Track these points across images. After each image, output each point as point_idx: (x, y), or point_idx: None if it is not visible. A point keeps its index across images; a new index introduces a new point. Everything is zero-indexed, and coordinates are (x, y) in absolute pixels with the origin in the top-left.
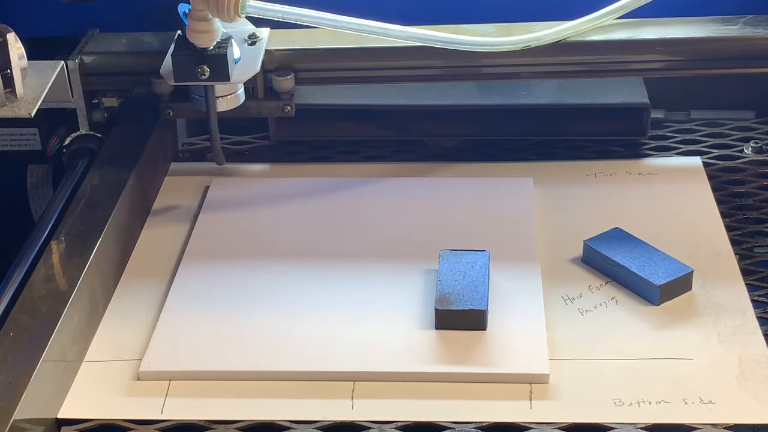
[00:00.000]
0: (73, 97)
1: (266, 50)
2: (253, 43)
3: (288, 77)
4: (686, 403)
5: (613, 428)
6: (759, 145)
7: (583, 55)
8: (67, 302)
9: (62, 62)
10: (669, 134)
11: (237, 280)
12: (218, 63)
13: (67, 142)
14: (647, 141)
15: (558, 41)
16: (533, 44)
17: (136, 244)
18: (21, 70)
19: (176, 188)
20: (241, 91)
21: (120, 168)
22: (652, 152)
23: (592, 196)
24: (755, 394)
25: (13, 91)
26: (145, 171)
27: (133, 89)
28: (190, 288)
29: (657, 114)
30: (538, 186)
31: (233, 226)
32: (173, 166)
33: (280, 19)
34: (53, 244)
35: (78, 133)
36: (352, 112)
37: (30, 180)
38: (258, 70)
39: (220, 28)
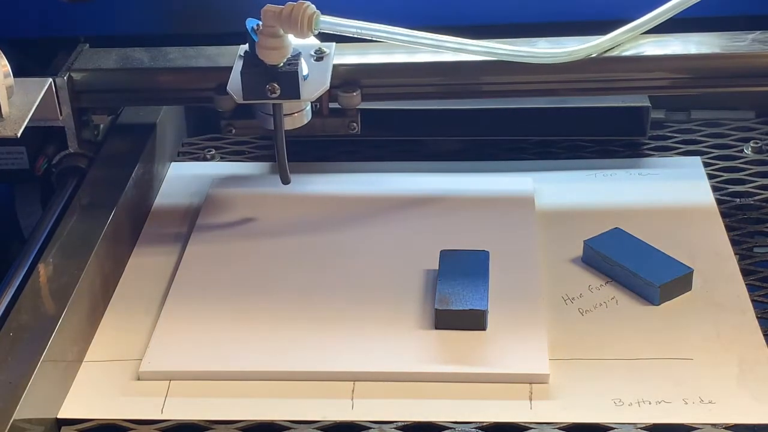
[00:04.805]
0: (61, 115)
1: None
2: (319, 59)
3: (354, 93)
4: (686, 403)
5: (613, 428)
6: (759, 145)
7: (606, 72)
8: (67, 302)
9: (50, 79)
10: (669, 134)
11: (237, 279)
12: (289, 81)
13: (55, 161)
14: (647, 141)
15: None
16: (594, 54)
17: (136, 244)
18: (7, 88)
19: (176, 188)
20: (307, 108)
21: (120, 167)
22: (652, 152)
23: (592, 196)
24: (755, 394)
25: None
26: (146, 170)
27: (123, 106)
28: (190, 288)
29: (657, 114)
30: (538, 186)
31: (233, 226)
32: (173, 166)
33: (354, 35)
34: (53, 244)
35: (66, 152)
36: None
37: (18, 199)
38: (328, 87)
39: (291, 44)
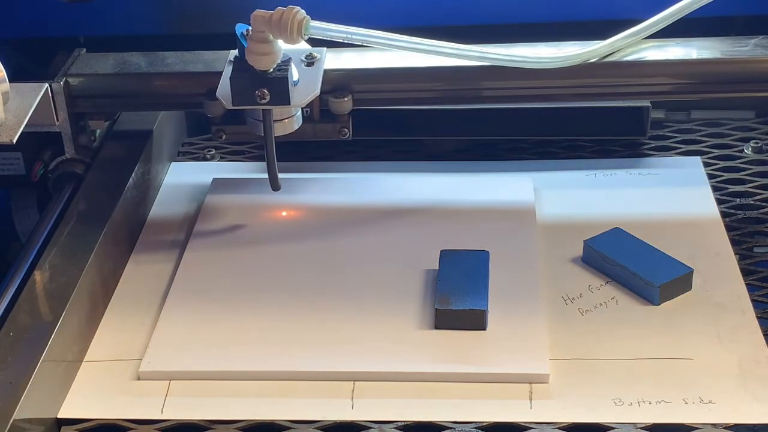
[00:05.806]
0: (58, 120)
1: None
2: (310, 64)
3: (345, 99)
4: (686, 403)
5: (613, 428)
6: (759, 145)
7: (606, 78)
8: (67, 302)
9: (46, 84)
10: (669, 134)
11: (237, 279)
12: (279, 86)
13: (51, 166)
14: (647, 141)
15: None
16: (593, 59)
17: (136, 244)
18: (2, 94)
19: (176, 188)
20: (298, 114)
21: (120, 168)
22: (652, 152)
23: (592, 196)
24: (755, 394)
25: None
26: (144, 173)
27: (120, 111)
28: (190, 288)
29: (657, 114)
30: (538, 186)
31: (233, 226)
32: (173, 166)
33: (346, 41)
34: (53, 245)
35: (63, 157)
36: (351, 112)
37: (14, 205)
38: (318, 93)
39: (281, 50)
